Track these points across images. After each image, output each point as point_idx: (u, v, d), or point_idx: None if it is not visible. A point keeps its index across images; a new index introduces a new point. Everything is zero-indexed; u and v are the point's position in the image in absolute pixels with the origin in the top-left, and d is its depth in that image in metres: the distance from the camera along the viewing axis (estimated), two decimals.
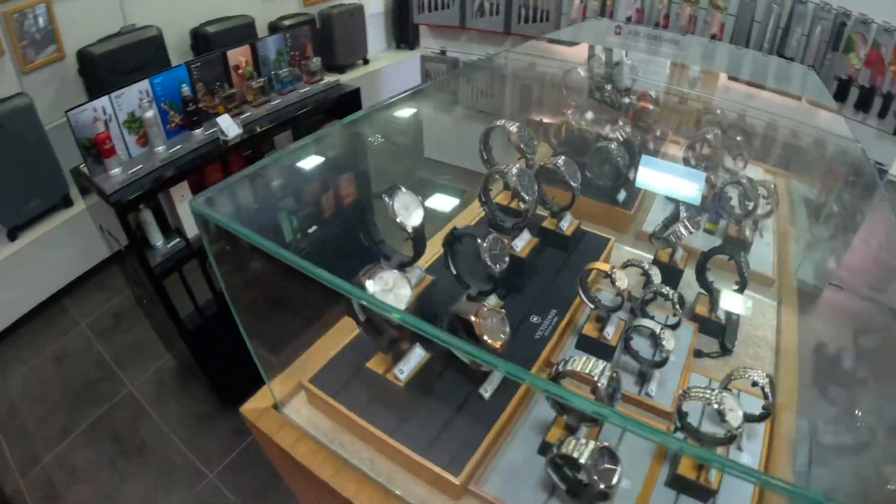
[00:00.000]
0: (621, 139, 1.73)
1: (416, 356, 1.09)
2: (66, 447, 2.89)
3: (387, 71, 5.57)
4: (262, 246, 0.93)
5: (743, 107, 2.29)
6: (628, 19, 3.34)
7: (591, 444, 0.92)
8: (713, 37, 3.18)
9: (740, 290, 1.38)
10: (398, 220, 1.11)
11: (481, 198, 1.49)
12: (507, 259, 1.22)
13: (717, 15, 3.12)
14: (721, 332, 1.39)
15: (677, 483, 1.03)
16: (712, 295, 1.41)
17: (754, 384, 1.09)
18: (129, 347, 3.38)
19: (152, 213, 2.24)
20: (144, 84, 2.27)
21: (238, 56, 2.51)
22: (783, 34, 3.05)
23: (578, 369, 0.98)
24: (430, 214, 1.22)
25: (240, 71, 2.52)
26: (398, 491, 1.03)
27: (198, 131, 2.35)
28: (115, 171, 2.16)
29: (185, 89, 2.29)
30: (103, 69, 3.73)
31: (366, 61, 5.52)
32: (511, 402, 1.12)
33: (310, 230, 2.59)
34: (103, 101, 2.18)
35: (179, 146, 2.29)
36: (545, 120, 2.17)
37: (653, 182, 1.66)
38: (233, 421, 2.80)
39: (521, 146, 1.54)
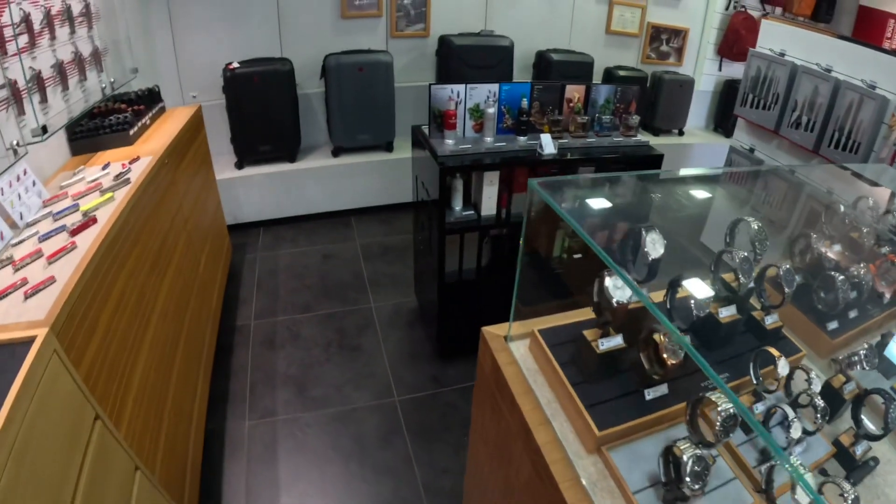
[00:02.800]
0: (853, 278, 1.98)
1: (616, 340, 1.55)
2: (300, 318, 3.77)
3: (696, 149, 5.92)
4: (573, 226, 1.45)
5: None
6: None
7: (697, 451, 1.28)
8: None
9: (879, 437, 1.57)
10: (645, 248, 1.56)
11: (711, 267, 1.86)
12: (705, 311, 1.60)
13: None
14: (850, 467, 1.60)
15: None
16: (858, 429, 1.63)
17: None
18: (384, 276, 4.24)
19: (462, 183, 2.92)
20: (495, 86, 2.94)
21: (574, 91, 3.10)
22: None
23: (713, 398, 1.32)
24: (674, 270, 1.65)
25: (571, 104, 3.11)
26: (554, 423, 1.50)
27: (522, 138, 2.98)
28: (450, 141, 2.87)
29: (524, 102, 2.93)
30: (456, 57, 4.62)
31: (681, 132, 5.92)
32: (662, 411, 1.51)
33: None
34: (460, 88, 2.89)
35: (504, 143, 2.94)
36: (797, 232, 2.40)
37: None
38: (436, 370, 3.43)
39: (755, 242, 1.89)
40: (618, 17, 5.43)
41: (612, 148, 3.13)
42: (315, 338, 3.61)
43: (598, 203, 1.91)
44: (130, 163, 2.61)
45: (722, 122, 6.23)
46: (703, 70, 6.05)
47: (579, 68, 5.05)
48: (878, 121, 3.68)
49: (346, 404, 3.17)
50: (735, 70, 6.16)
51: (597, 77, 5.44)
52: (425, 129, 3.06)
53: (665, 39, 5.75)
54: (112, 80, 3.31)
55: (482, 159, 2.85)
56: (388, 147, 4.87)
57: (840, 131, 3.81)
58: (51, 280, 1.71)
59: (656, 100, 5.59)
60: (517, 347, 1.74)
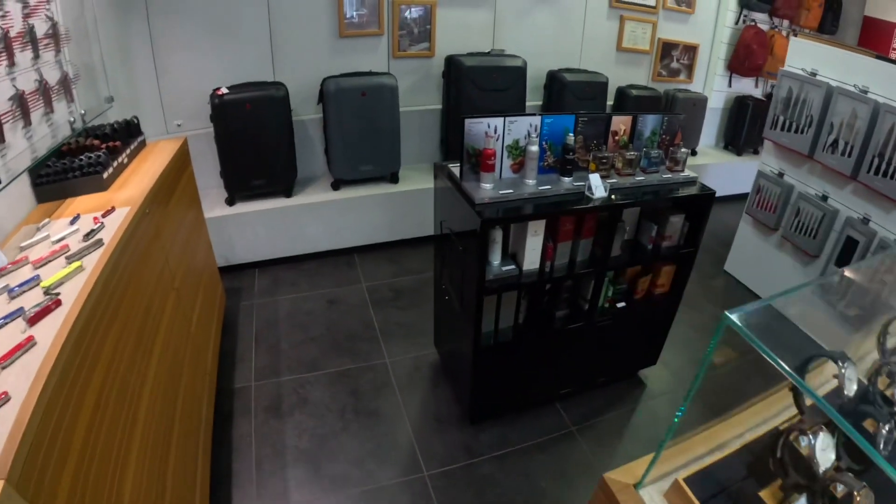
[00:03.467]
0: None
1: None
2: (308, 378, 3.28)
3: (711, 170, 5.56)
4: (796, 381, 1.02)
5: None
6: None
7: None
8: None
9: None
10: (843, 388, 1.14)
11: (867, 379, 1.45)
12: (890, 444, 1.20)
13: None
14: None
15: None
16: None
17: None
18: (398, 325, 3.75)
19: (501, 234, 2.47)
20: (536, 119, 2.51)
21: (620, 123, 2.68)
22: None
23: None
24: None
25: (616, 137, 2.69)
26: None
27: (567, 179, 2.54)
28: (487, 185, 2.43)
29: (570, 138, 2.50)
30: (466, 79, 4.19)
31: (693, 152, 5.57)
32: None
33: None
34: (498, 121, 2.45)
35: (548, 186, 2.50)
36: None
37: None
38: (467, 437, 2.97)
39: None
40: (629, 33, 5.05)
41: (663, 186, 2.73)
42: (326, 402, 3.13)
43: (791, 331, 1.48)
44: (104, 215, 2.13)
45: (733, 140, 5.89)
46: (714, 86, 5.71)
47: (594, 88, 4.66)
48: None
49: (370, 483, 2.70)
50: (744, 86, 5.86)
51: (609, 98, 5.05)
52: (453, 169, 2.62)
53: (675, 56, 5.38)
54: (83, 111, 2.83)
55: (526, 207, 2.41)
56: (394, 178, 4.41)
57: (880, 157, 3.47)
58: (4, 397, 1.24)
59: None
60: (649, 494, 1.30)
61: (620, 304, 3.03)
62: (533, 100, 4.82)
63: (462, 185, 2.48)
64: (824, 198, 3.91)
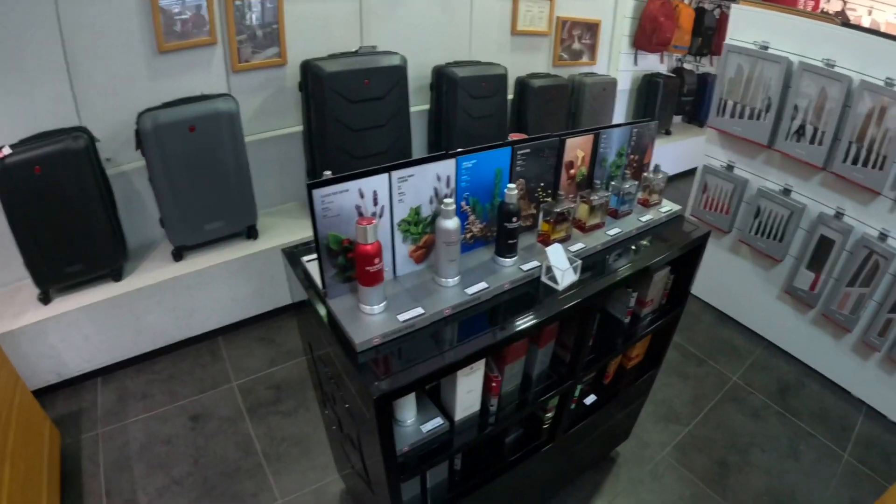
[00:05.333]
0: None
1: None
2: None
3: None
4: None
5: None
6: None
7: None
8: None
9: None
10: None
11: None
12: None
13: None
14: None
15: None
16: None
17: None
18: (286, 441, 2.47)
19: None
20: (447, 166, 1.33)
21: (576, 148, 1.56)
22: None
23: None
24: None
25: (572, 171, 1.57)
26: None
27: (509, 261, 1.39)
28: (373, 308, 1.23)
29: (511, 192, 1.34)
30: (329, 89, 2.95)
31: None
32: None
33: None
34: (377, 183, 1.25)
35: (483, 284, 1.31)
36: None
37: None
38: None
39: None
40: (524, 12, 3.93)
41: (646, 234, 1.65)
42: None
43: None
44: None
45: None
46: (619, 66, 4.73)
47: (491, 83, 3.50)
48: None
49: None
50: (650, 63, 4.93)
51: (510, 92, 3.94)
52: (311, 268, 1.41)
53: (577, 36, 4.34)
54: None
55: (448, 343, 1.24)
56: (252, 233, 3.06)
57: (859, 144, 2.60)
58: None
59: (578, 109, 4.19)
60: None
61: (589, 399, 1.96)
62: (418, 104, 3.60)
63: (328, 304, 1.27)
64: (786, 192, 3.02)
